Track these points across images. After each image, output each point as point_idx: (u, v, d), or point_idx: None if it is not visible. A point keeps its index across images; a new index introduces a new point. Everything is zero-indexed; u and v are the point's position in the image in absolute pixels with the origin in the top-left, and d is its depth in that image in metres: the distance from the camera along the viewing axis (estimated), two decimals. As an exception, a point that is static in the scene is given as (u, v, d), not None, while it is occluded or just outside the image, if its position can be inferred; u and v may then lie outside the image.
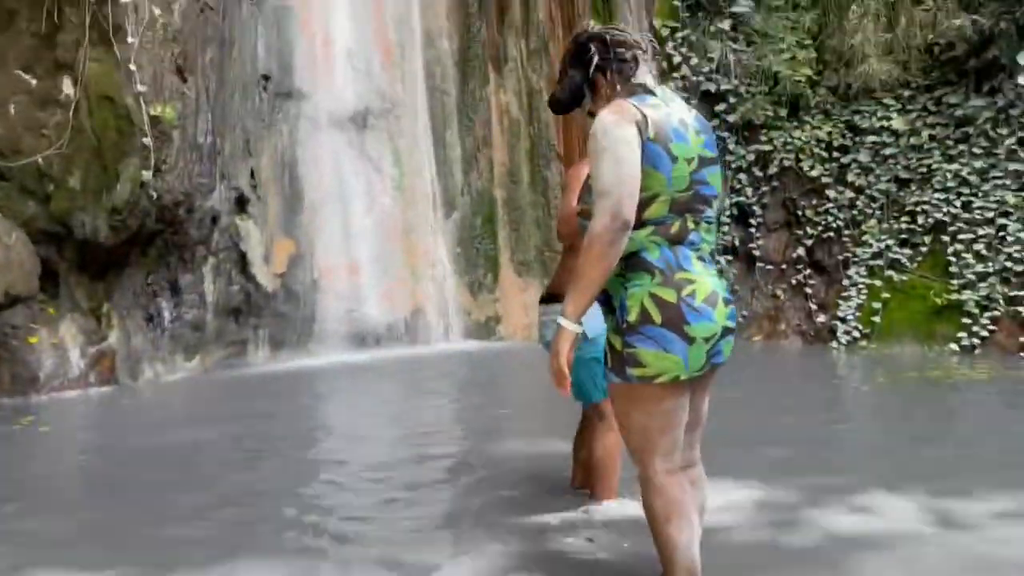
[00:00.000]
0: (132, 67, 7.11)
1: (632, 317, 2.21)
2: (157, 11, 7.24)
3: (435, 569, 2.91)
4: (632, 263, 2.24)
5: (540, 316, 3.50)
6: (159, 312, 7.68)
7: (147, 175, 7.13)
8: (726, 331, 2.26)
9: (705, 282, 2.22)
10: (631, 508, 3.25)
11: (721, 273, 2.32)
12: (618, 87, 2.35)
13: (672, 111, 2.28)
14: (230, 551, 3.15)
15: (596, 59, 2.37)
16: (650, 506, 2.33)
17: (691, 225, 2.25)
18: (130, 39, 7.12)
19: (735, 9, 9.66)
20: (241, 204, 8.45)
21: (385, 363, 8.51)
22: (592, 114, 2.39)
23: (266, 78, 8.77)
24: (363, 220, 9.30)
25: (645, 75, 2.36)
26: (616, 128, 2.17)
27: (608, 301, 2.36)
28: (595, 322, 2.69)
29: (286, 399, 6.76)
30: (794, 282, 9.08)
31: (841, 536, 3.13)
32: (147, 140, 7.14)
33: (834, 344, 8.43)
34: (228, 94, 8.29)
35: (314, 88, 9.10)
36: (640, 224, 2.21)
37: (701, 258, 2.27)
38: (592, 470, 3.49)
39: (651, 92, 2.32)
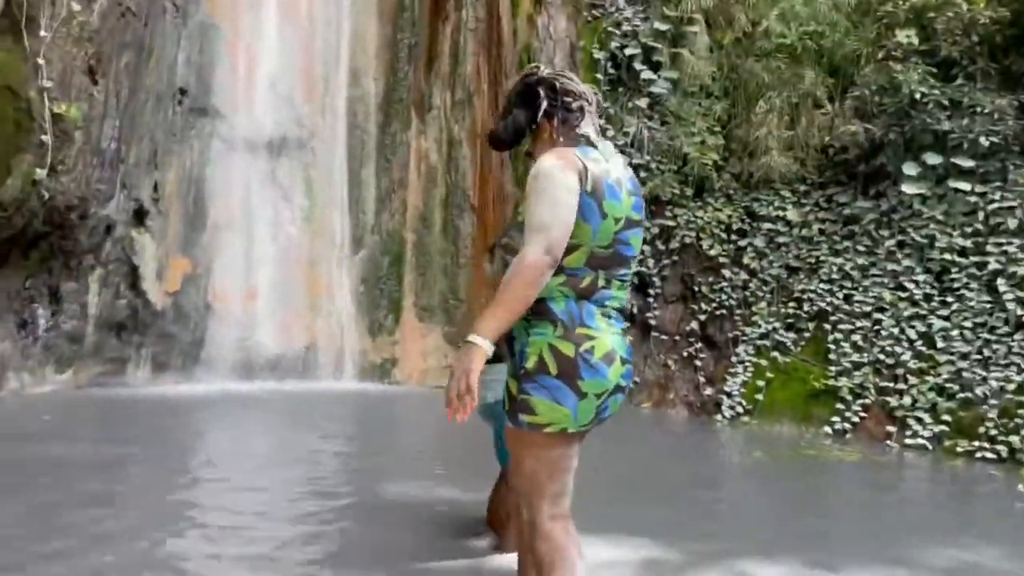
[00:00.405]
0: (40, 61, 6.80)
1: (529, 364, 2.24)
2: (76, 7, 6.98)
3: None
4: (538, 310, 2.25)
5: (482, 376, 3.45)
6: (34, 319, 7.20)
7: (41, 173, 6.77)
8: (618, 389, 2.29)
9: (605, 340, 2.26)
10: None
11: (625, 332, 2.37)
12: (561, 135, 2.38)
13: (610, 168, 2.33)
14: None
15: (544, 104, 2.39)
16: (536, 551, 2.33)
17: (602, 282, 2.29)
18: (42, 32, 6.83)
19: (653, 89, 10.13)
20: (140, 216, 8.10)
21: (273, 396, 8.22)
22: (530, 155, 2.44)
23: (183, 92, 8.54)
24: (266, 247, 9.07)
25: (588, 127, 2.41)
26: (559, 173, 2.21)
27: (510, 345, 2.38)
28: None
29: (162, 425, 6.41)
30: (685, 354, 9.39)
31: (720, 599, 3.21)
32: (46, 137, 6.80)
33: (718, 417, 8.72)
34: (140, 102, 8.01)
35: (232, 109, 8.91)
36: (556, 271, 2.23)
37: (607, 315, 2.31)
38: (507, 522, 3.46)
39: (593, 145, 2.36)
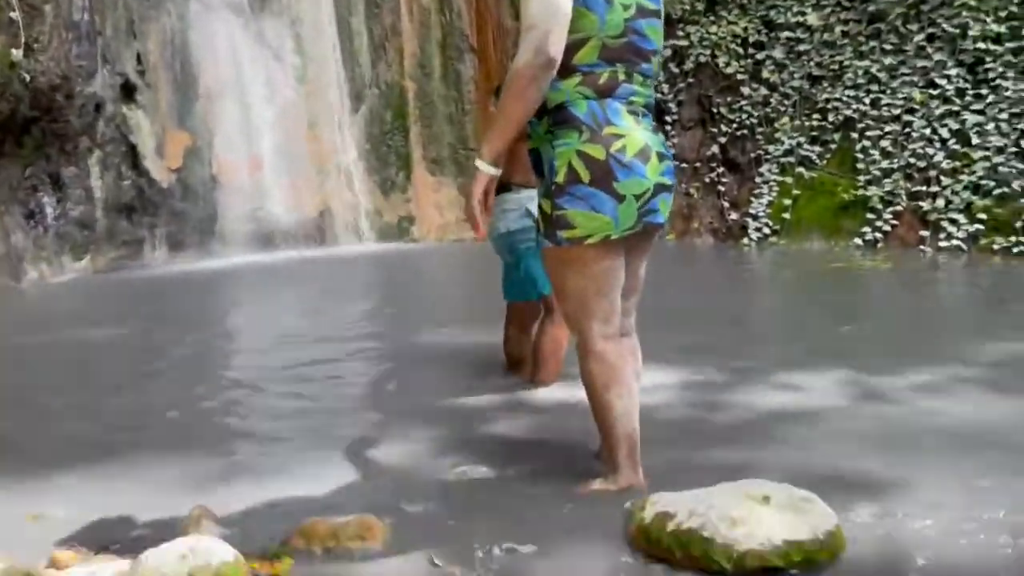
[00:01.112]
0: (-9, -71, 6.28)
1: (560, 178, 2.11)
2: None
3: (365, 453, 2.78)
4: (559, 119, 2.13)
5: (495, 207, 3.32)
6: (40, 208, 7.06)
7: (17, 54, 6.42)
8: (661, 188, 2.17)
9: (636, 136, 2.12)
10: (570, 391, 3.19)
11: (657, 130, 2.18)
12: None
13: None
14: (125, 447, 2.92)
15: None
16: (588, 372, 2.26)
17: (622, 76, 2.13)
18: None
19: None
20: (128, 92, 7.75)
21: (293, 264, 8.16)
22: None
23: (149, -49, 7.94)
24: (264, 112, 8.72)
25: None
26: None
27: (538, 164, 2.23)
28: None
29: (189, 300, 6.39)
30: (707, 180, 9.12)
31: (769, 411, 3.14)
32: (15, 15, 6.39)
33: (745, 241, 8.56)
34: (106, -33, 7.48)
35: (205, -35, 8.32)
36: (569, 71, 2.09)
37: (633, 112, 2.16)
38: (536, 357, 3.43)
39: None
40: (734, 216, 8.85)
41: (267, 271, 7.79)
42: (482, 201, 2.12)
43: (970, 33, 7.63)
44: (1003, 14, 7.53)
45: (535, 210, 2.85)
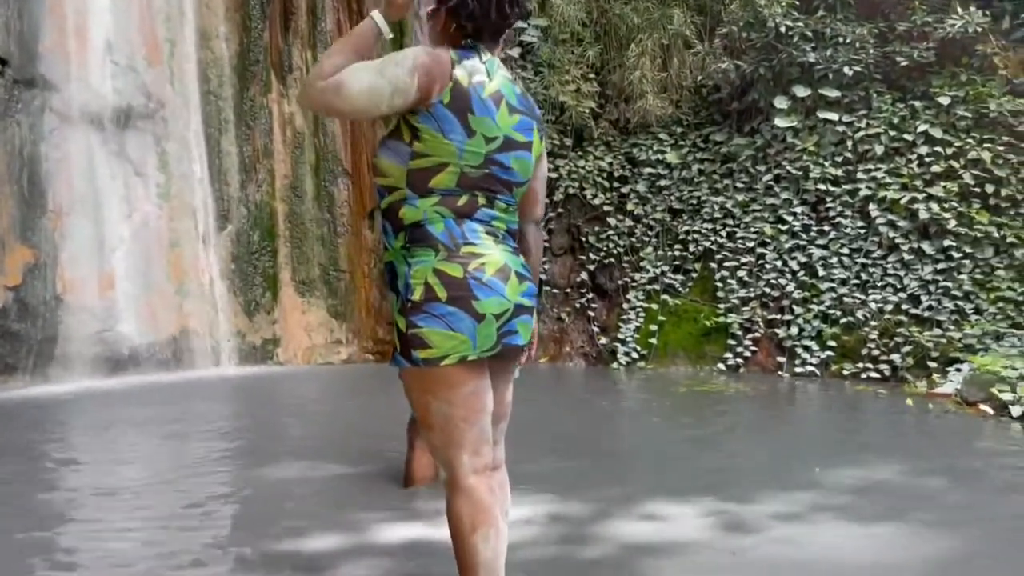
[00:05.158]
0: None
1: (416, 296, 2.03)
2: None
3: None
4: (415, 236, 2.06)
5: None
6: None
7: None
8: (521, 309, 2.09)
9: (495, 257, 2.07)
10: (433, 529, 2.96)
11: (516, 252, 2.13)
12: (449, 38, 2.11)
13: (488, 82, 2.07)
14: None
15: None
16: (455, 512, 2.07)
17: (482, 201, 2.09)
18: None
19: (524, 38, 9.84)
20: (-36, 204, 7.19)
21: (143, 390, 7.55)
22: None
23: (3, 62, 7.59)
24: (120, 228, 8.27)
25: (487, 41, 2.12)
26: (409, 60, 1.97)
27: (393, 281, 2.13)
28: None
29: (12, 434, 5.72)
30: (578, 305, 9.27)
31: (633, 545, 3.03)
32: None
33: (615, 365, 8.67)
34: (-48, 75, 7.07)
35: (64, 79, 8.00)
36: (427, 192, 2.05)
37: (492, 233, 2.10)
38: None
39: (479, 56, 2.09)
40: (604, 341, 8.98)
41: (112, 397, 7.15)
42: None
43: (811, 175, 8.30)
44: (839, 159, 8.26)
45: None
